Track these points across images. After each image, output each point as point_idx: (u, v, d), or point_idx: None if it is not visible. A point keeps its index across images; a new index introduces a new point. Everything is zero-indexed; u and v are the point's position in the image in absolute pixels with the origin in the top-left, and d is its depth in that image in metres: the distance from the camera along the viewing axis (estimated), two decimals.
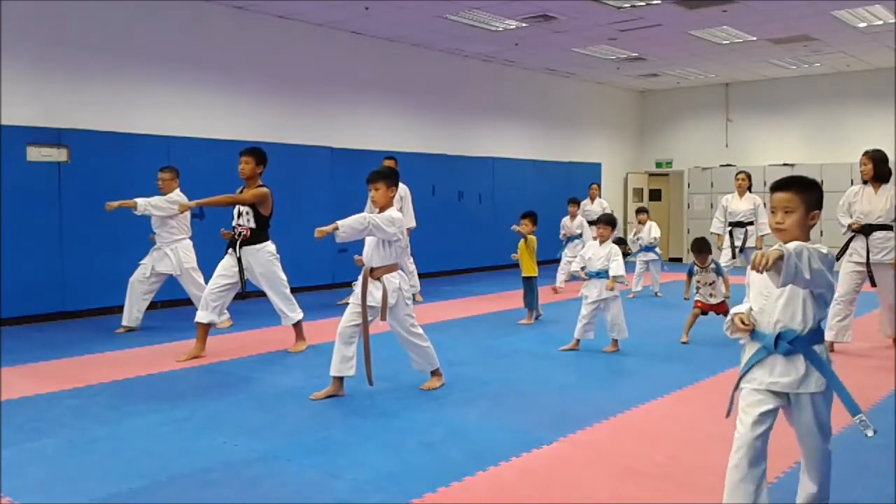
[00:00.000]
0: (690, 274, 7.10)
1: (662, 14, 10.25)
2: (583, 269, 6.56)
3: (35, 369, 5.96)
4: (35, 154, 8.12)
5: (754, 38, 11.85)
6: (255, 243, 6.36)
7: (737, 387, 2.83)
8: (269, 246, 6.47)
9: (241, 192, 6.41)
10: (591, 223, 10.69)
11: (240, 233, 6.36)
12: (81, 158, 8.41)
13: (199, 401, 4.97)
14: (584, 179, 13.88)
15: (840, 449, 3.07)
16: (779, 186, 2.79)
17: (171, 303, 8.77)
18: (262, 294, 6.63)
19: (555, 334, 7.15)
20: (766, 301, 2.75)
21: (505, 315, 8.50)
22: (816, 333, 2.71)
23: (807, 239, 2.76)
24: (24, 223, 7.98)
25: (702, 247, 7.06)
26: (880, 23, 10.78)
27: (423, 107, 12.74)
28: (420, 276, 9.88)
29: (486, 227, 13.32)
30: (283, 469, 3.71)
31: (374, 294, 4.94)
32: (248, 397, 5.09)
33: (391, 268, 5.01)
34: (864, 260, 6.16)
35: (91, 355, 6.47)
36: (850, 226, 6.23)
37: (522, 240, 7.95)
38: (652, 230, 10.34)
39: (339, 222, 4.73)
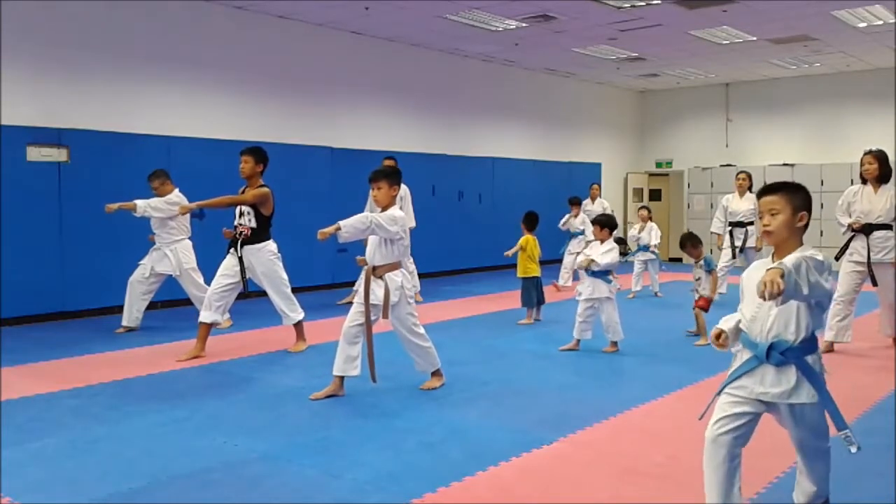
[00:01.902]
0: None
1: (662, 14, 10.25)
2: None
3: (35, 369, 5.96)
4: (35, 154, 8.12)
5: (754, 38, 11.85)
6: (256, 242, 6.36)
7: (720, 392, 2.81)
8: (271, 245, 6.47)
9: (244, 191, 6.42)
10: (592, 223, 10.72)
11: (241, 232, 6.37)
12: (81, 158, 8.41)
13: (200, 401, 4.98)
14: (584, 179, 13.89)
15: (840, 449, 3.06)
16: (764, 191, 2.80)
17: (171, 303, 8.77)
18: (263, 294, 6.63)
19: (555, 334, 7.15)
20: (759, 309, 2.71)
21: (505, 315, 8.50)
22: (810, 343, 2.68)
23: (798, 242, 2.73)
24: (24, 223, 7.98)
25: (684, 242, 7.06)
26: (880, 23, 10.78)
27: (423, 107, 12.74)
28: (420, 276, 9.87)
29: (486, 227, 13.32)
30: (283, 469, 3.71)
31: (377, 292, 4.95)
32: (248, 397, 5.09)
33: (393, 266, 5.01)
34: (864, 259, 6.16)
35: (91, 355, 6.47)
36: (850, 225, 6.23)
37: (520, 250, 8.02)
38: (653, 233, 10.26)
39: (342, 222, 4.74)
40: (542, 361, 6.21)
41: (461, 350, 6.54)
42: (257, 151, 6.40)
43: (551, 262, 11.08)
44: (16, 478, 3.60)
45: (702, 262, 6.93)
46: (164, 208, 7.27)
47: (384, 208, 5.05)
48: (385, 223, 4.85)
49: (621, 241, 15.94)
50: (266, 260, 6.41)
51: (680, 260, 15.57)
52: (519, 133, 14.68)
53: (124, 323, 7.52)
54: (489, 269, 13.29)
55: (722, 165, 15.61)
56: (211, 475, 3.63)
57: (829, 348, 6.26)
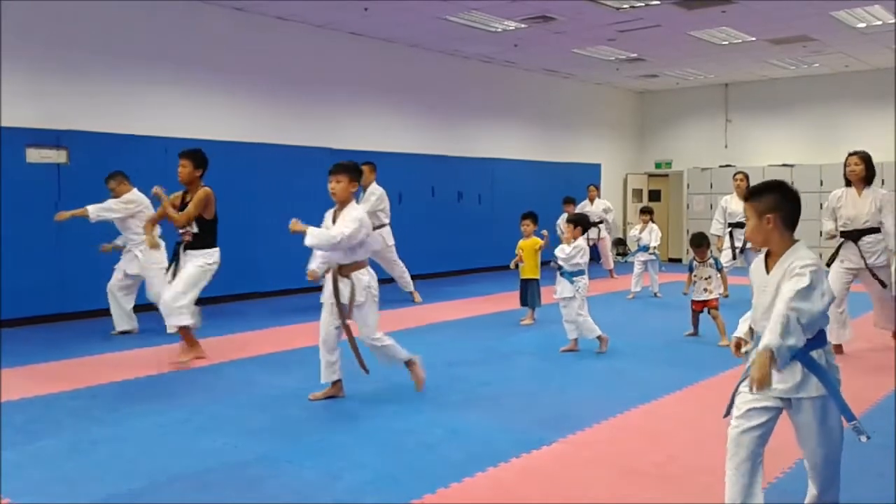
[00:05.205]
0: (691, 269, 7.07)
1: (662, 15, 10.25)
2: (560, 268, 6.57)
3: (35, 370, 5.96)
4: (34, 156, 8.12)
5: (753, 39, 11.85)
6: (199, 248, 6.05)
7: (736, 390, 2.83)
8: (213, 254, 6.10)
9: (184, 196, 6.10)
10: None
11: (184, 238, 6.08)
12: (81, 160, 8.41)
13: (199, 402, 4.97)
14: (583, 180, 13.87)
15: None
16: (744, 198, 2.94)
17: None
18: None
19: (555, 334, 7.13)
20: (763, 311, 2.77)
21: (505, 315, 8.50)
22: (813, 339, 2.68)
23: (786, 240, 2.76)
24: (23, 224, 7.97)
25: (700, 241, 7.09)
26: (879, 23, 10.78)
27: (423, 107, 12.74)
28: (420, 276, 9.88)
29: (485, 227, 13.31)
30: (282, 470, 3.71)
31: (345, 292, 4.83)
32: (247, 398, 5.08)
33: (360, 265, 4.91)
34: (853, 266, 6.09)
35: (90, 356, 6.47)
36: (833, 235, 6.15)
37: (529, 241, 7.98)
38: (653, 234, 10.22)
39: (311, 229, 4.65)
40: (541, 362, 6.22)
41: (461, 350, 6.54)
42: (196, 155, 6.06)
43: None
44: (15, 479, 3.60)
45: (710, 260, 6.95)
46: (119, 208, 7.17)
47: (341, 203, 4.94)
48: (352, 234, 4.70)
49: (621, 242, 16.02)
50: (198, 262, 6.04)
51: (680, 260, 15.58)
52: (518, 134, 14.68)
53: (118, 328, 7.43)
54: (489, 269, 13.29)
55: (721, 166, 15.60)
56: (210, 476, 3.63)
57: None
